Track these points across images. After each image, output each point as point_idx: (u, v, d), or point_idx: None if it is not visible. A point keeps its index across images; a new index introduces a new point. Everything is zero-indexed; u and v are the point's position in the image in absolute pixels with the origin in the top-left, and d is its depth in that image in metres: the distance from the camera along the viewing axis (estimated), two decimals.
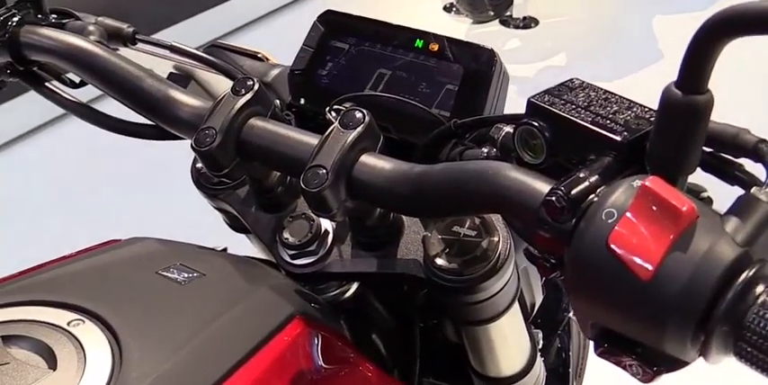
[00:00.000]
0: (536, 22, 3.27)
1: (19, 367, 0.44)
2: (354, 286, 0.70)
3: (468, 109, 0.64)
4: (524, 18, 3.27)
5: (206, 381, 0.45)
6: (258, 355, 0.48)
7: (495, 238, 0.59)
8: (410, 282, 0.65)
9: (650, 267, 0.36)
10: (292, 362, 0.50)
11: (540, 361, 0.81)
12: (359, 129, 0.53)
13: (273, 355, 0.49)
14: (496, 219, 0.60)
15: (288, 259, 0.64)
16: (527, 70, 2.82)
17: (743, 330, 0.36)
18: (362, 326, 0.72)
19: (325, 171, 0.52)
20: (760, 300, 0.36)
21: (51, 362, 0.45)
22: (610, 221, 0.38)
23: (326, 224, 0.64)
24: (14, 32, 0.65)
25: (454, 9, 3.31)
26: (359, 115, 0.54)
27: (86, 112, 0.67)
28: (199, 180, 0.70)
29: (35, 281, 0.52)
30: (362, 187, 0.53)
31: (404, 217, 0.63)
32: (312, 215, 0.64)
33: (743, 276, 0.36)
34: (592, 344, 0.93)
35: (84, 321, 0.47)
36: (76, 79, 0.67)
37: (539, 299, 0.84)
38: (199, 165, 0.70)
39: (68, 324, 0.47)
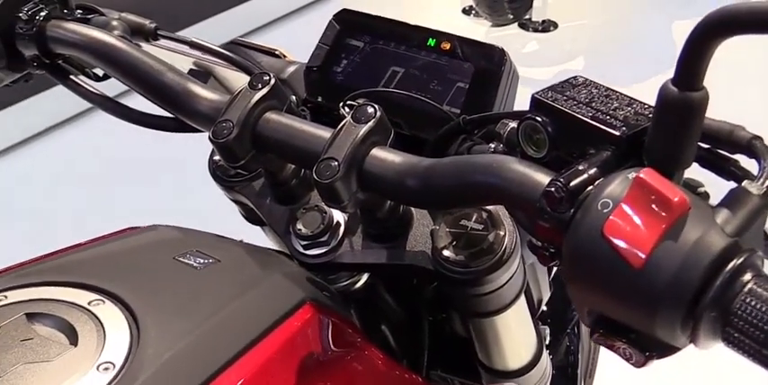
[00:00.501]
0: (555, 25, 3.29)
1: (42, 342, 0.47)
2: (365, 277, 0.72)
3: (477, 106, 0.66)
4: (543, 21, 3.29)
5: (219, 361, 0.47)
6: (269, 338, 0.50)
7: (502, 232, 0.61)
8: (418, 274, 0.67)
9: (642, 255, 0.38)
10: (302, 345, 0.52)
11: (546, 356, 0.83)
12: (370, 123, 0.56)
13: (284, 338, 0.51)
14: (503, 214, 0.62)
15: (300, 249, 0.66)
16: (545, 73, 2.83)
17: (730, 316, 0.37)
18: (372, 317, 0.74)
19: (337, 163, 0.54)
20: (747, 288, 0.37)
21: (72, 338, 0.47)
22: (605, 211, 0.40)
23: (338, 216, 0.67)
24: (41, 26, 0.68)
25: (473, 12, 3.33)
26: (371, 110, 0.56)
27: (109, 105, 0.70)
28: (216, 172, 0.72)
29: (58, 263, 0.55)
30: (373, 179, 0.55)
31: (413, 210, 0.65)
32: (325, 207, 0.66)
33: (731, 265, 0.38)
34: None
35: (103, 301, 0.50)
36: (100, 73, 0.70)
37: (546, 295, 0.86)
38: (216, 157, 0.73)
39: (89, 303, 0.50)
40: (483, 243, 0.60)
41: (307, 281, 0.58)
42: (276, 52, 0.80)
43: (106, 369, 0.45)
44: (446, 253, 0.60)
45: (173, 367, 0.46)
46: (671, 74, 0.42)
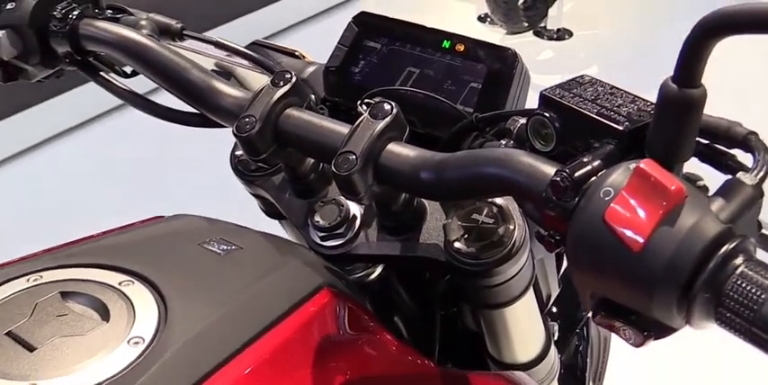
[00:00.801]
0: (570, 33, 3.32)
1: (76, 318, 0.50)
2: (379, 269, 0.75)
3: (490, 106, 0.69)
4: (558, 30, 3.32)
5: (241, 339, 0.50)
6: (288, 319, 0.53)
7: (512, 226, 0.64)
8: (431, 266, 0.70)
9: (641, 240, 0.41)
10: (319, 327, 0.55)
11: (554, 351, 0.86)
12: (387, 119, 0.59)
13: (301, 320, 0.54)
14: (513, 208, 0.65)
15: (318, 241, 0.69)
16: (559, 80, 2.85)
17: (723, 297, 0.40)
18: (385, 308, 0.77)
19: (354, 157, 0.57)
20: (738, 271, 0.40)
21: (104, 315, 0.51)
22: (606, 199, 0.43)
23: (355, 209, 0.70)
24: (74, 25, 0.72)
25: (489, 19, 3.37)
26: (387, 107, 0.60)
27: (137, 101, 0.73)
28: (237, 167, 0.76)
29: (89, 247, 0.58)
30: (388, 172, 0.58)
31: (426, 204, 0.68)
32: (342, 200, 0.69)
33: (723, 249, 0.41)
34: (612, 350, 0.97)
35: (133, 282, 0.53)
36: (128, 70, 0.74)
37: (555, 291, 0.88)
38: (238, 152, 0.76)
39: (119, 284, 0.53)
40: (493, 236, 0.63)
41: (324, 268, 0.61)
42: (296, 53, 0.83)
43: (136, 343, 0.48)
44: (458, 245, 0.64)
45: (198, 343, 0.49)
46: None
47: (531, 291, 0.72)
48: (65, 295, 0.52)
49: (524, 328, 0.76)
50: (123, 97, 0.74)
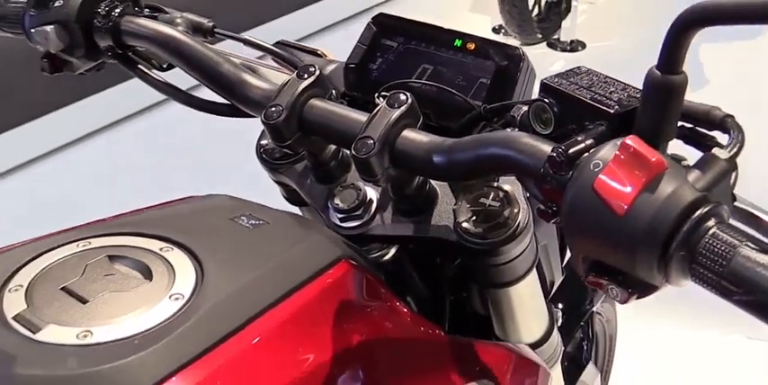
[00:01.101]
0: (583, 45, 3.39)
1: (122, 277, 0.57)
2: (393, 250, 0.81)
3: (497, 99, 0.75)
4: (572, 42, 3.39)
5: (267, 300, 0.57)
6: (309, 286, 0.59)
7: (516, 209, 0.70)
8: (442, 247, 0.76)
9: (625, 206, 0.47)
10: (337, 294, 0.61)
11: (557, 335, 0.92)
12: (402, 108, 0.65)
13: (322, 287, 0.60)
14: (518, 193, 0.71)
15: (337, 222, 0.75)
16: None
17: (697, 255, 0.46)
18: (398, 289, 0.83)
19: (372, 141, 0.64)
20: (711, 232, 0.46)
21: (147, 276, 0.57)
22: (596, 170, 0.49)
23: (372, 194, 0.76)
24: (116, 21, 0.79)
25: (503, 31, 3.44)
26: (403, 97, 0.66)
27: (173, 92, 0.80)
28: (263, 156, 0.82)
29: (132, 219, 0.65)
30: (403, 156, 0.65)
31: (438, 189, 0.75)
32: (360, 185, 0.76)
33: (698, 213, 0.47)
34: (618, 349, 1.03)
35: (172, 249, 0.60)
36: (164, 63, 0.81)
37: (558, 278, 0.94)
38: (263, 141, 0.83)
39: (160, 250, 0.59)
40: (499, 218, 0.69)
41: (343, 243, 0.68)
42: (318, 52, 0.90)
43: (177, 299, 0.55)
44: (466, 226, 0.70)
45: (230, 302, 0.55)
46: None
47: (534, 273, 0.78)
48: (112, 258, 0.58)
49: (528, 308, 0.82)
50: (159, 89, 0.80)
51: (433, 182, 0.74)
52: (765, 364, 1.98)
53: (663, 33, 0.49)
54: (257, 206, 0.69)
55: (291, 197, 0.86)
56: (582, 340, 1.21)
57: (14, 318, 0.52)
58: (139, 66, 0.81)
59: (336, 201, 0.76)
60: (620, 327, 1.46)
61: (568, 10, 3.40)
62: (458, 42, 0.79)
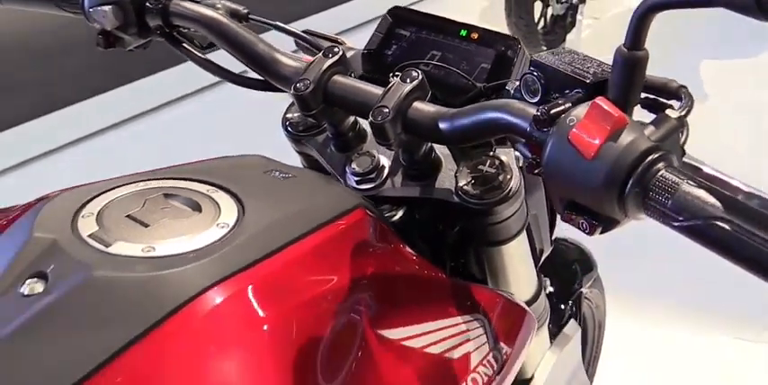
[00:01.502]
0: None
1: (176, 210, 0.69)
2: (401, 212, 0.94)
3: (496, 81, 0.89)
4: None
5: (295, 233, 0.69)
6: (332, 225, 0.72)
7: (509, 176, 0.83)
8: (444, 210, 0.88)
9: (592, 152, 0.60)
10: (354, 234, 0.74)
11: (545, 299, 1.05)
12: (414, 83, 0.78)
13: (342, 227, 0.73)
14: (511, 163, 0.84)
15: (353, 184, 0.88)
16: None
17: (648, 191, 0.59)
18: None
19: (387, 110, 0.77)
20: (660, 173, 0.59)
21: (197, 209, 0.70)
22: (571, 124, 0.62)
23: (384, 161, 0.89)
24: (165, 4, 0.92)
25: None
26: (414, 74, 0.79)
27: (213, 68, 0.93)
28: (288, 128, 0.95)
29: (182, 168, 0.77)
30: (413, 123, 0.77)
31: (442, 158, 0.87)
32: (374, 152, 0.88)
33: (650, 157, 0.59)
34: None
35: (217, 191, 0.72)
36: (205, 43, 0.94)
37: (547, 248, 1.07)
38: (289, 115, 0.96)
39: (207, 191, 0.72)
40: (494, 182, 0.82)
41: (360, 197, 0.80)
42: (339, 40, 1.03)
43: (222, 227, 0.67)
44: (466, 188, 0.83)
45: (267, 231, 0.68)
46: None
47: (524, 235, 0.91)
48: (167, 195, 0.71)
49: (519, 267, 0.95)
50: (201, 65, 0.94)
51: (437, 151, 0.87)
52: (751, 365, 2.10)
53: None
54: (286, 165, 0.82)
55: (311, 166, 0.99)
56: (570, 318, 1.33)
57: (89, 236, 0.65)
58: (183, 44, 0.94)
59: (353, 165, 0.88)
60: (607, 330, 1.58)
61: (573, 24, 3.55)
62: (463, 32, 0.92)
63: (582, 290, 1.31)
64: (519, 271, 0.95)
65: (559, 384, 1.14)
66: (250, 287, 0.63)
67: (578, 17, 3.52)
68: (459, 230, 0.96)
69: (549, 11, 3.56)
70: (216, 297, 0.61)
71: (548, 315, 1.07)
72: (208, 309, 0.61)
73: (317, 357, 0.63)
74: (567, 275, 1.29)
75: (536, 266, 1.03)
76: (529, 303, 1.00)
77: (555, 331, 1.21)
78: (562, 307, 1.27)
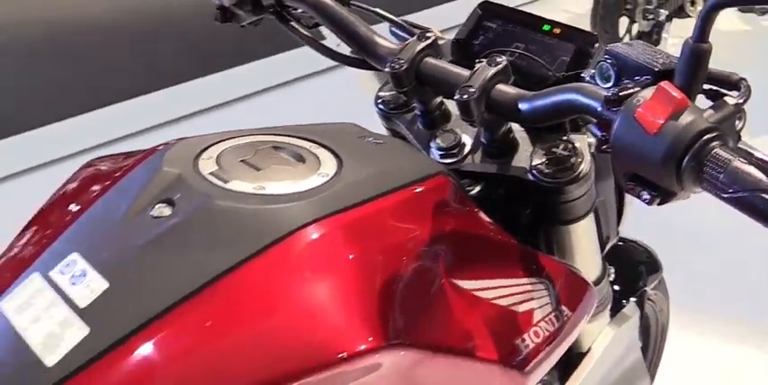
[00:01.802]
0: None
1: (283, 159, 0.81)
2: (478, 188, 1.03)
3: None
4: None
5: (386, 188, 0.80)
6: (418, 184, 0.82)
7: (581, 159, 0.92)
8: (518, 187, 0.98)
9: (655, 130, 0.70)
10: (436, 195, 0.83)
11: (608, 285, 1.14)
12: (499, 67, 0.89)
13: (426, 187, 0.82)
14: (584, 148, 0.93)
15: (437, 158, 0.99)
16: None
17: (703, 166, 0.68)
18: None
19: (473, 89, 0.87)
20: (714, 150, 0.68)
21: (301, 160, 0.81)
22: (637, 104, 0.71)
23: (466, 139, 0.99)
24: None
25: None
26: (499, 59, 0.90)
27: (317, 45, 1.05)
28: (379, 106, 1.07)
29: (286, 127, 0.89)
30: (495, 104, 0.88)
31: (519, 139, 0.97)
32: (457, 131, 0.99)
33: (706, 136, 0.69)
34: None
35: (319, 147, 0.84)
36: (311, 23, 1.06)
37: (614, 236, 1.16)
38: (380, 93, 1.07)
39: (310, 147, 0.84)
40: (567, 163, 0.92)
41: (443, 167, 0.91)
42: (430, 29, 1.14)
43: (323, 176, 0.79)
44: (540, 167, 0.92)
45: (361, 182, 0.79)
46: None
47: (592, 217, 1.00)
48: (275, 147, 0.83)
49: (585, 248, 1.04)
50: (307, 42, 1.06)
51: (515, 132, 0.97)
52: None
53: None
54: (377, 133, 0.93)
55: None
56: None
57: (209, 174, 0.77)
58: (292, 23, 1.07)
59: (437, 141, 0.99)
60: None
61: (658, 42, 3.60)
62: (546, 27, 1.02)
63: (646, 289, 1.39)
64: (585, 251, 1.04)
65: (615, 360, 1.22)
66: (343, 227, 0.74)
67: (663, 35, 3.57)
68: (531, 210, 1.06)
69: (635, 27, 3.62)
70: (313, 232, 0.72)
71: (609, 301, 1.16)
72: (306, 242, 0.72)
73: (397, 294, 0.74)
74: (632, 274, 1.37)
75: (601, 252, 1.12)
76: (596, 283, 1.08)
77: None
78: (624, 302, 1.34)
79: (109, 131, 3.18)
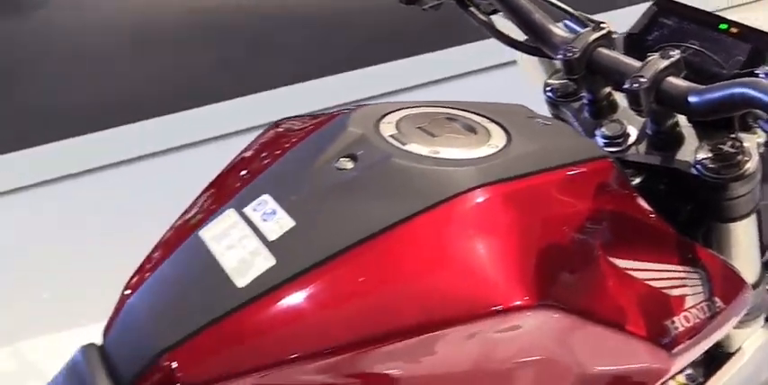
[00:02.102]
0: None
1: (456, 129, 0.88)
2: (638, 179, 1.06)
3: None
4: None
5: (546, 165, 0.85)
6: (578, 165, 0.87)
7: (747, 158, 0.94)
8: (681, 181, 1.00)
9: None
10: (600, 177, 0.88)
11: (765, 292, 1.14)
12: (671, 60, 0.92)
13: (588, 169, 0.87)
14: (752, 147, 0.95)
15: (601, 146, 1.03)
16: None
17: None
18: None
19: (644, 79, 0.91)
20: None
21: (472, 132, 0.88)
22: None
23: (631, 130, 1.03)
24: None
25: None
26: (672, 53, 0.93)
27: (492, 30, 1.12)
28: (548, 94, 1.12)
29: (458, 102, 0.96)
30: (665, 95, 0.91)
31: (685, 133, 1.00)
32: (623, 122, 1.03)
33: None
34: None
35: (490, 122, 0.90)
36: (489, 9, 1.13)
37: None
38: (549, 81, 1.13)
39: (481, 121, 0.90)
40: (733, 160, 0.94)
41: (608, 153, 0.96)
42: (604, 22, 1.19)
43: (492, 147, 0.85)
44: (705, 161, 0.95)
45: (527, 156, 0.84)
46: None
47: (754, 217, 1.01)
48: (449, 118, 0.90)
49: (744, 249, 1.04)
50: (485, 26, 1.13)
51: (682, 127, 1.00)
52: None
53: None
54: (546, 116, 0.99)
55: None
56: None
57: (389, 136, 0.85)
58: (470, 8, 1.14)
59: (603, 130, 1.03)
60: None
61: None
62: (723, 26, 1.04)
63: None
64: (743, 252, 1.05)
65: (764, 363, 1.21)
66: (507, 194, 0.81)
67: None
68: (692, 207, 1.08)
69: None
70: (480, 195, 0.79)
71: (766, 310, 1.16)
72: (472, 203, 0.79)
73: (554, 260, 0.79)
74: None
75: (762, 257, 1.12)
76: (754, 286, 1.09)
77: None
78: None
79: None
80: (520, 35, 1.10)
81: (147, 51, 3.12)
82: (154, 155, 2.96)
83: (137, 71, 3.11)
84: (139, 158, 2.94)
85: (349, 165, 0.83)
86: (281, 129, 0.95)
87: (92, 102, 3.03)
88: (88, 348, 0.82)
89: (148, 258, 0.85)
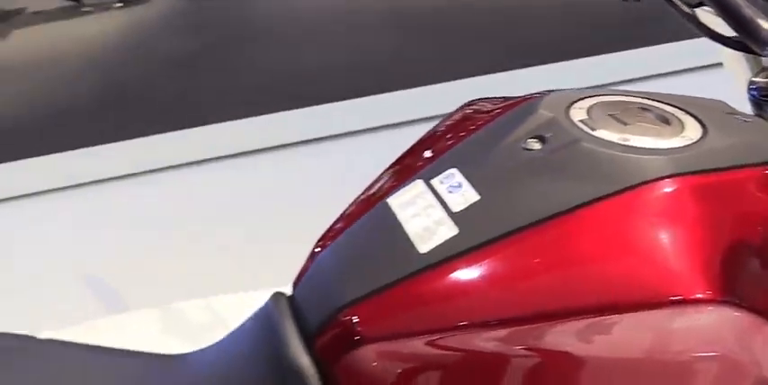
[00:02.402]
0: None
1: (648, 119, 0.88)
2: None
3: None
4: None
5: (740, 161, 0.83)
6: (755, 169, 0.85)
7: None
8: None
9: None
10: (754, 185, 0.85)
11: None
12: None
13: (752, 175, 0.85)
14: None
15: None
16: None
17: None
18: None
19: None
20: None
21: (666, 123, 0.88)
22: None
23: None
24: None
25: None
26: None
27: (695, 23, 1.10)
28: (752, 92, 1.09)
29: (650, 93, 0.96)
30: None
31: None
32: None
33: None
34: None
35: (685, 114, 0.90)
36: (694, 2, 1.12)
37: None
38: (756, 79, 1.10)
39: (675, 112, 0.90)
40: None
41: None
42: None
43: (685, 139, 0.85)
44: None
45: (722, 150, 0.84)
46: None
47: None
48: (642, 108, 0.91)
49: None
50: (689, 19, 1.12)
51: None
52: None
53: None
54: (746, 113, 0.98)
55: None
56: None
57: (579, 121, 0.87)
58: (674, 0, 1.13)
59: None
60: None
61: None
62: None
63: None
64: None
65: None
66: (698, 187, 0.81)
67: None
68: None
69: None
70: (669, 185, 0.80)
71: None
72: (660, 192, 0.80)
73: (742, 258, 0.79)
74: None
75: None
76: None
77: None
78: None
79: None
80: (725, 30, 1.09)
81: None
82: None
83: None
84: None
85: (536, 145, 0.85)
86: (471, 109, 0.99)
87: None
88: (278, 296, 0.89)
89: (338, 219, 0.91)
